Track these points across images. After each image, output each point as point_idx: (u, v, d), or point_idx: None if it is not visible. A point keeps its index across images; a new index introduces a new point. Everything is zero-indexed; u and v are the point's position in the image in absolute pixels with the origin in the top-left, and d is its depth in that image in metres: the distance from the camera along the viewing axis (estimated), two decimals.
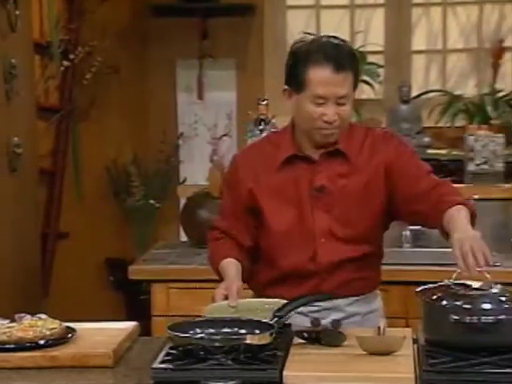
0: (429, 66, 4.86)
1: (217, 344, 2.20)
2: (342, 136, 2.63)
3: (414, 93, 4.65)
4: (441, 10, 4.76)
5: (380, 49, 4.74)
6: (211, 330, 2.35)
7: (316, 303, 2.59)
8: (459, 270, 2.34)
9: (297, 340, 2.41)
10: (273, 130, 4.27)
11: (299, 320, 2.53)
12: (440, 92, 4.72)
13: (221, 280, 2.69)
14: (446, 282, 2.39)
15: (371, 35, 4.78)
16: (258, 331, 2.31)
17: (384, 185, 2.63)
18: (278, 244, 2.67)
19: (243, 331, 2.33)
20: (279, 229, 2.65)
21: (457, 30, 4.77)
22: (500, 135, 4.13)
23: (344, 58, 2.56)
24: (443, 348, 2.26)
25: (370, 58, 4.59)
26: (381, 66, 4.59)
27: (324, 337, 2.33)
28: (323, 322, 2.45)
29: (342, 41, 2.63)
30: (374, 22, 4.80)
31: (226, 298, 2.57)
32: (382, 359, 2.27)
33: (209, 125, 4.71)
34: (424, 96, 4.70)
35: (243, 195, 2.70)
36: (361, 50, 4.58)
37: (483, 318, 2.21)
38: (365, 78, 4.51)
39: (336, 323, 2.41)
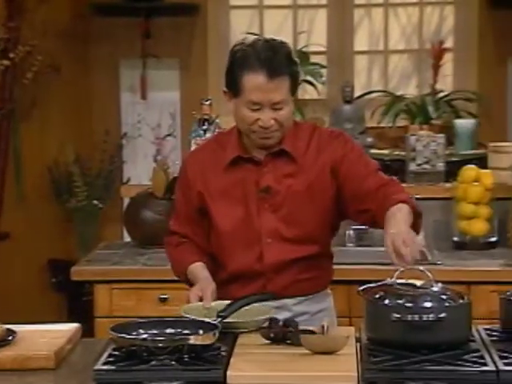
0: (371, 67, 4.90)
1: (160, 345, 2.20)
2: (287, 136, 2.63)
3: (357, 93, 4.69)
4: (382, 11, 4.81)
5: (323, 49, 4.77)
6: (154, 331, 2.34)
7: (264, 303, 2.59)
8: (399, 268, 2.36)
9: (240, 339, 2.41)
10: (217, 130, 4.27)
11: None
12: (382, 92, 4.76)
13: (190, 285, 2.70)
14: (389, 280, 2.42)
15: (314, 35, 4.80)
16: (201, 331, 2.31)
17: (331, 184, 2.63)
18: (225, 245, 2.67)
19: (187, 332, 2.33)
20: (226, 230, 2.65)
21: (398, 31, 4.82)
22: (441, 135, 4.18)
23: (279, 62, 2.53)
24: (385, 346, 2.28)
25: (313, 59, 4.61)
26: (324, 67, 4.62)
27: (293, 337, 2.33)
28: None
29: (281, 43, 2.59)
30: (316, 22, 4.82)
31: (201, 299, 2.57)
32: (326, 358, 2.28)
33: (152, 125, 4.69)
34: (366, 96, 4.74)
35: (194, 197, 2.70)
36: (304, 50, 4.60)
37: (424, 316, 2.24)
38: (308, 78, 4.53)
39: (291, 322, 2.42)
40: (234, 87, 2.57)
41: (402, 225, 2.39)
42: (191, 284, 2.70)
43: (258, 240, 2.64)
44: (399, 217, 2.42)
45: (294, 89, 2.59)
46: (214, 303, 2.57)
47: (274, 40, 2.60)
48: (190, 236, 2.76)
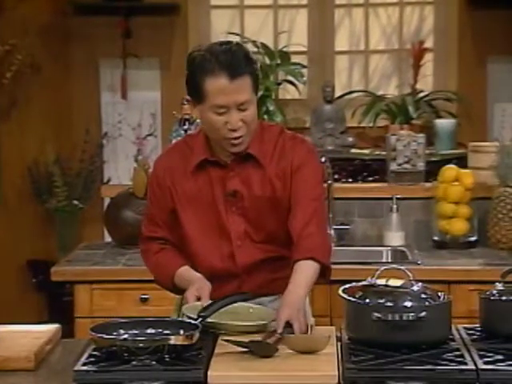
0: (351, 67, 4.91)
1: (141, 345, 2.19)
2: (254, 139, 2.62)
3: (338, 93, 4.70)
4: (363, 11, 4.82)
5: (304, 49, 4.77)
6: (135, 331, 2.34)
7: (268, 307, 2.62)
8: (378, 271, 2.40)
9: (221, 339, 2.41)
10: (190, 132, 4.27)
11: None
12: (363, 92, 4.77)
13: (175, 291, 2.72)
14: (369, 280, 2.42)
15: (295, 35, 4.81)
16: (182, 332, 2.30)
17: (290, 189, 2.64)
18: (196, 248, 2.68)
19: (168, 332, 2.33)
20: (195, 233, 2.66)
21: (378, 32, 4.83)
22: (421, 135, 4.19)
23: (238, 63, 2.52)
24: (366, 346, 2.29)
25: (294, 59, 4.62)
26: (304, 67, 4.63)
27: (254, 348, 2.32)
28: None
29: (236, 44, 2.58)
30: (297, 22, 4.83)
31: (198, 299, 2.56)
32: (307, 358, 2.29)
33: (133, 124, 4.69)
34: (347, 96, 4.75)
35: (167, 200, 2.70)
36: (285, 50, 4.61)
37: (405, 315, 2.25)
38: (289, 78, 4.54)
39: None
40: (196, 94, 2.55)
41: (295, 292, 2.47)
42: (177, 290, 2.70)
43: (229, 242, 2.64)
44: (297, 280, 2.50)
45: (255, 88, 2.57)
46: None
47: (230, 42, 2.59)
48: (170, 239, 2.75)
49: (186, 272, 2.68)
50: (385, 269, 2.42)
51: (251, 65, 2.56)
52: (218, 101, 2.52)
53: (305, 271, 2.53)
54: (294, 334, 2.40)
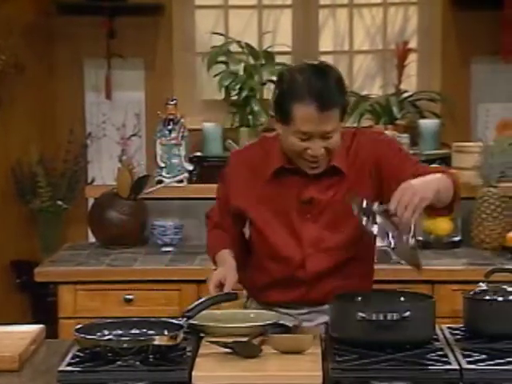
0: (336, 67, 4.90)
1: (125, 345, 2.19)
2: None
3: None
4: (347, 11, 4.82)
5: (288, 49, 4.77)
6: (119, 332, 2.34)
7: (306, 307, 2.63)
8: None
9: (206, 339, 2.41)
10: (182, 130, 4.26)
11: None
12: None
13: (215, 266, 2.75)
14: None
15: (279, 36, 4.81)
16: (166, 332, 2.30)
17: (370, 185, 2.60)
18: (268, 252, 2.67)
19: (152, 332, 2.32)
20: (270, 238, 2.65)
21: (363, 32, 4.84)
22: (405, 135, 4.20)
23: (330, 93, 2.48)
24: (350, 346, 2.29)
25: (278, 59, 4.61)
26: None
27: (238, 349, 2.31)
28: (308, 324, 2.56)
29: (331, 70, 2.54)
30: (281, 22, 4.83)
31: (220, 284, 2.60)
32: (291, 358, 2.29)
33: (117, 125, 4.67)
34: None
35: (229, 195, 2.73)
36: (269, 50, 4.61)
37: (389, 315, 2.25)
38: (273, 78, 4.53)
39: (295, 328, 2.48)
40: (282, 115, 2.53)
41: (424, 182, 2.32)
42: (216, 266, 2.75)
43: (300, 249, 2.63)
44: (428, 177, 2.36)
45: (343, 116, 2.54)
46: (226, 311, 2.63)
47: (324, 65, 2.56)
48: (221, 224, 2.80)
49: (224, 255, 2.72)
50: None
51: (342, 95, 2.53)
52: (304, 128, 2.49)
53: (435, 175, 2.39)
54: (278, 334, 2.40)
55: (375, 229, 2.30)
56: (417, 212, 2.26)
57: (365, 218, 2.31)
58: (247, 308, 2.79)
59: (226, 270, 2.64)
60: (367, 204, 2.32)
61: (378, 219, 2.30)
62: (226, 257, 2.71)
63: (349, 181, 2.62)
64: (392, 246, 2.28)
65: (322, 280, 2.64)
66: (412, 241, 2.29)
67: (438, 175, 2.42)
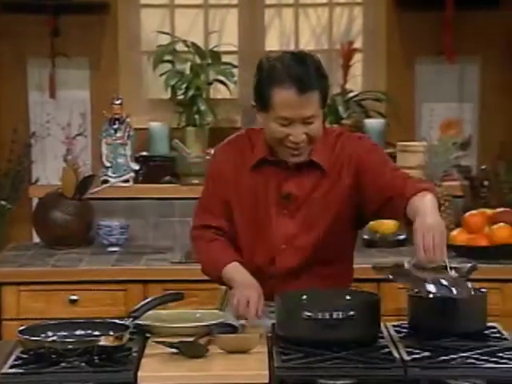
0: (315, 54, 4.91)
1: (69, 347, 2.17)
2: (316, 145, 2.60)
3: None
4: (292, 11, 4.84)
5: (234, 49, 4.77)
6: (64, 333, 2.32)
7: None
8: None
9: (151, 340, 2.40)
10: (128, 129, 4.24)
11: (262, 322, 2.56)
12: None
13: (221, 283, 2.68)
14: None
15: (225, 35, 4.80)
16: (112, 333, 2.29)
17: (348, 187, 2.61)
18: (243, 244, 2.66)
19: (97, 333, 2.31)
20: (245, 231, 2.64)
21: (308, 32, 4.85)
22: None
23: (310, 77, 2.49)
24: (296, 344, 2.30)
25: (225, 58, 4.61)
26: (235, 66, 4.63)
27: (184, 349, 2.31)
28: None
29: (309, 57, 2.55)
30: (228, 22, 4.82)
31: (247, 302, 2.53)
32: (238, 357, 2.29)
33: (62, 124, 4.62)
34: None
35: (225, 189, 2.67)
36: (215, 49, 4.60)
37: (334, 314, 2.27)
38: (220, 77, 4.53)
39: (242, 327, 2.46)
40: (262, 102, 2.54)
41: (432, 215, 2.32)
42: (224, 283, 2.67)
43: (273, 244, 2.62)
44: (426, 205, 2.35)
45: (323, 102, 2.55)
46: (172, 311, 2.62)
47: (302, 53, 2.57)
48: (225, 229, 2.70)
49: (235, 270, 2.61)
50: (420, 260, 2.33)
51: (322, 80, 2.54)
52: (284, 113, 2.50)
53: (427, 197, 2.38)
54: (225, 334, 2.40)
55: (431, 287, 2.25)
56: (444, 249, 2.27)
57: (409, 282, 2.32)
58: (224, 302, 2.78)
59: (252, 291, 2.56)
60: (398, 266, 2.31)
61: (419, 274, 2.26)
62: (237, 271, 2.62)
63: (329, 179, 2.63)
64: (455, 295, 2.24)
65: (291, 277, 2.63)
66: (455, 274, 2.27)
67: (429, 197, 2.40)
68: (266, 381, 2.16)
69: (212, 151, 2.85)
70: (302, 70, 2.50)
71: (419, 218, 2.31)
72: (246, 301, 2.52)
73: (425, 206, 2.35)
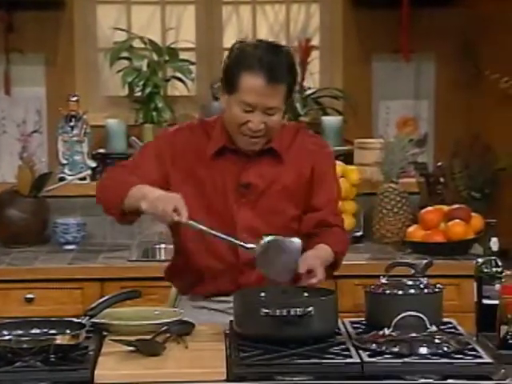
0: (291, 49, 4.91)
1: (25, 346, 2.15)
2: (275, 137, 2.61)
3: None
4: (250, 8, 4.84)
5: (192, 46, 4.76)
6: (20, 332, 2.30)
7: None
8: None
9: (108, 338, 2.38)
10: (85, 126, 4.21)
11: (221, 319, 2.56)
12: None
13: (126, 212, 2.53)
14: None
15: (183, 32, 4.79)
16: (68, 331, 2.27)
17: (303, 187, 2.65)
18: (198, 238, 2.59)
19: (53, 332, 2.29)
20: (206, 220, 2.55)
21: (266, 29, 4.86)
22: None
23: (280, 67, 2.49)
24: (254, 341, 2.30)
25: (182, 55, 4.60)
26: (193, 63, 4.62)
27: (141, 347, 2.29)
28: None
29: (285, 49, 2.55)
30: (185, 18, 4.81)
31: (175, 210, 2.41)
32: (195, 355, 2.29)
33: (17, 121, 4.58)
34: None
35: (157, 172, 2.60)
36: (172, 46, 4.59)
37: (292, 310, 2.27)
38: (177, 74, 4.52)
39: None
40: (229, 84, 2.53)
41: (320, 255, 2.52)
42: (124, 214, 2.54)
43: (234, 234, 2.59)
44: (322, 252, 2.55)
45: (288, 97, 2.56)
46: (131, 309, 2.60)
47: (278, 44, 2.57)
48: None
49: (148, 188, 2.49)
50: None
51: (292, 75, 2.54)
52: (248, 98, 2.49)
53: (325, 251, 2.57)
54: None
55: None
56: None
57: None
58: (176, 302, 2.78)
59: (176, 199, 2.43)
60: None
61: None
62: (160, 191, 2.47)
63: (289, 170, 2.64)
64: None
65: (253, 268, 2.61)
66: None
67: (329, 251, 2.58)
68: (224, 378, 2.16)
69: (164, 130, 2.78)
70: (275, 60, 2.50)
71: (314, 251, 2.53)
72: (172, 207, 2.41)
73: (323, 252, 2.56)
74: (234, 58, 2.54)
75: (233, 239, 2.50)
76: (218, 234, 2.48)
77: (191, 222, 2.45)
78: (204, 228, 2.47)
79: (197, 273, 2.70)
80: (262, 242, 2.46)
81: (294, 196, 2.66)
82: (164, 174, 2.64)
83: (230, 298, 2.58)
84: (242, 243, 2.48)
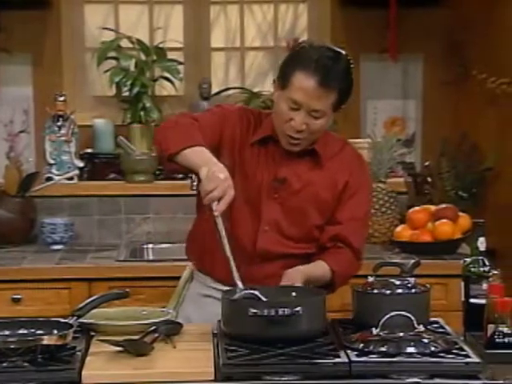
0: (228, 64, 4.93)
1: (12, 346, 2.15)
2: (319, 140, 2.63)
3: (214, 89, 4.71)
4: (238, 8, 4.84)
5: (180, 45, 4.76)
6: (6, 332, 2.29)
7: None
8: None
9: (96, 338, 2.38)
10: (72, 126, 4.20)
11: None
12: (239, 89, 4.79)
13: (176, 165, 2.51)
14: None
15: (171, 32, 4.79)
16: (56, 331, 2.26)
17: (335, 196, 2.66)
18: (229, 217, 2.54)
19: (40, 332, 2.28)
20: (231, 209, 2.51)
21: (254, 29, 4.87)
22: None
23: (335, 73, 2.51)
24: (242, 341, 2.30)
25: (170, 55, 4.59)
26: (181, 63, 4.62)
27: (129, 347, 2.29)
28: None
29: (344, 56, 2.56)
30: (173, 18, 4.81)
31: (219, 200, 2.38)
32: (183, 355, 2.29)
33: (4, 121, 4.57)
34: (224, 93, 4.77)
35: (219, 136, 2.60)
36: (160, 46, 4.58)
37: (280, 310, 2.27)
38: (165, 74, 4.52)
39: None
40: (282, 80, 2.55)
41: (301, 270, 2.54)
42: (174, 165, 2.51)
43: (257, 224, 2.61)
44: (312, 268, 2.57)
45: (337, 105, 2.57)
46: (119, 309, 2.60)
47: (340, 51, 2.58)
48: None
49: (210, 155, 2.45)
50: None
51: (345, 83, 2.55)
52: (296, 96, 2.50)
53: (317, 267, 2.60)
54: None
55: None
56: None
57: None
58: (180, 300, 2.77)
59: (229, 185, 2.39)
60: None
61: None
62: (208, 154, 2.45)
63: (323, 179, 2.65)
64: None
65: (267, 262, 2.62)
66: None
67: (326, 276, 2.61)
68: (212, 378, 2.15)
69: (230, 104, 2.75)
70: (331, 64, 2.52)
71: (309, 268, 2.57)
72: (220, 195, 2.37)
73: (313, 268, 2.58)
74: (293, 56, 2.58)
75: (234, 266, 2.43)
76: (227, 248, 2.44)
77: (219, 218, 2.41)
78: (222, 233, 2.43)
79: (213, 253, 2.62)
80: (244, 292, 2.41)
81: (323, 205, 2.66)
82: (218, 141, 2.61)
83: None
84: (237, 277, 2.42)
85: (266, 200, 2.63)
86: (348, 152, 2.72)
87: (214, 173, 2.39)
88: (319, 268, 2.61)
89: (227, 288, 2.52)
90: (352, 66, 2.60)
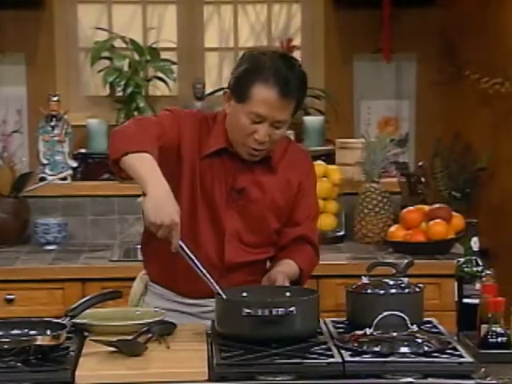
0: (221, 64, 4.93)
1: (5, 346, 2.14)
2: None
3: (208, 90, 4.71)
4: (231, 8, 4.84)
5: (173, 45, 4.76)
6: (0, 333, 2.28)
7: (210, 304, 2.51)
8: None
9: (89, 338, 2.38)
10: (66, 126, 4.20)
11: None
12: None
13: (118, 163, 2.41)
14: None
15: (164, 32, 4.79)
16: (49, 332, 2.26)
17: (290, 198, 2.66)
18: (186, 233, 2.46)
19: (34, 332, 2.28)
20: (191, 219, 2.53)
21: (247, 29, 4.87)
22: (290, 132, 4.24)
23: (294, 83, 2.49)
24: (236, 341, 2.30)
25: (164, 55, 4.60)
26: (174, 63, 4.62)
27: (123, 347, 2.29)
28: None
29: (298, 64, 2.54)
30: (166, 18, 4.81)
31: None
32: (177, 355, 2.28)
33: None
34: (218, 93, 4.76)
35: (174, 140, 2.54)
36: (154, 46, 4.58)
37: (274, 310, 2.27)
38: (159, 74, 4.51)
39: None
40: (240, 93, 2.49)
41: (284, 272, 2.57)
42: (119, 169, 2.43)
43: (221, 236, 2.60)
44: (286, 267, 2.60)
45: (295, 112, 2.56)
46: (114, 309, 2.59)
47: (295, 60, 2.56)
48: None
49: (152, 167, 2.37)
50: None
51: (303, 91, 2.54)
52: (260, 110, 2.47)
53: (290, 266, 2.62)
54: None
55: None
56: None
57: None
58: (142, 297, 2.76)
59: (172, 213, 2.33)
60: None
61: None
62: (158, 173, 2.37)
63: (278, 184, 2.65)
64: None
65: (234, 271, 2.62)
66: None
67: (294, 270, 2.62)
68: (206, 378, 2.15)
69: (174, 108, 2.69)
70: (290, 75, 2.49)
71: (278, 267, 2.60)
72: (166, 233, 2.35)
73: (287, 267, 2.61)
74: (247, 67, 2.51)
75: (212, 281, 2.43)
76: (200, 268, 2.43)
77: (181, 244, 2.40)
78: (190, 255, 2.42)
79: (175, 266, 2.61)
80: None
81: (280, 210, 2.66)
82: (178, 143, 2.57)
83: (204, 302, 2.59)
84: (218, 288, 2.41)
85: (225, 210, 2.61)
86: (294, 150, 2.71)
87: (161, 206, 2.33)
88: (292, 267, 2.63)
89: (192, 301, 2.53)
90: (304, 71, 2.57)
